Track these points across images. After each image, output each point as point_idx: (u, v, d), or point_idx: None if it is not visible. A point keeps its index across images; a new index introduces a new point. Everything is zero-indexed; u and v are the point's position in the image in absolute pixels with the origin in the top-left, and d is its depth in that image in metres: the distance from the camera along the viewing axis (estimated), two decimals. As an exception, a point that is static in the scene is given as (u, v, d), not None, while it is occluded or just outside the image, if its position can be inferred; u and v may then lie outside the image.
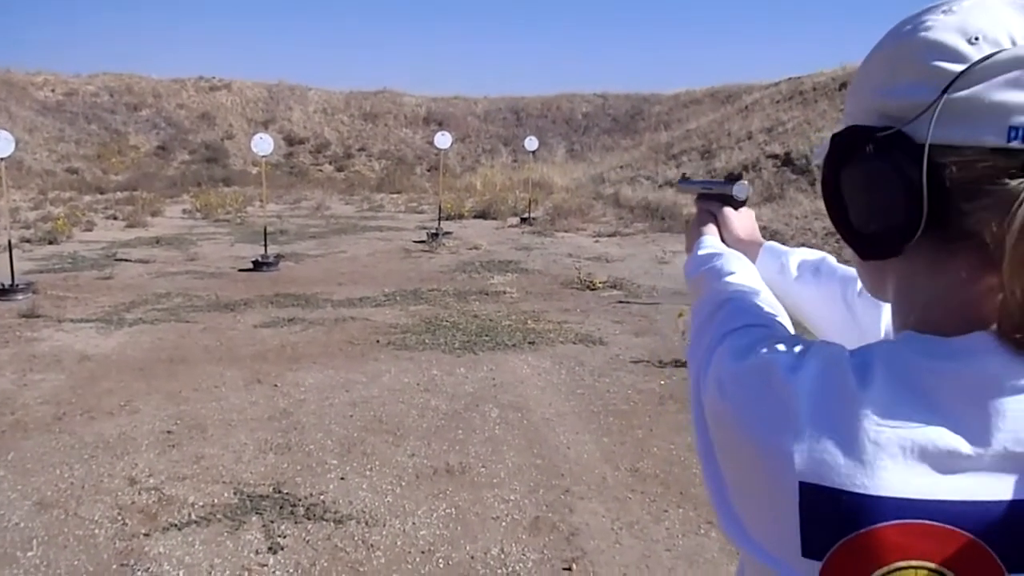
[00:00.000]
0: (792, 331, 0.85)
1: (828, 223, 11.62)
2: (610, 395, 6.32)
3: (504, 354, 7.44)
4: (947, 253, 0.71)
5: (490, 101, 39.31)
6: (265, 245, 12.50)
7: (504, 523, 4.29)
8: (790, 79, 26.24)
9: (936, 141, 0.68)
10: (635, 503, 4.54)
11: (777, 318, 0.91)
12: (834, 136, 0.77)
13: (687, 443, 5.32)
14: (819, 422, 0.67)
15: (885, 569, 0.65)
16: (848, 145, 0.74)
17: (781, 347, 0.75)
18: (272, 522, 4.25)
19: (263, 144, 12.27)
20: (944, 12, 0.71)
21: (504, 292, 10.40)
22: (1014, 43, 0.67)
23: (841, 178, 0.75)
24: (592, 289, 10.51)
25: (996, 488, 0.64)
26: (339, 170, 33.53)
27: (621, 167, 24.45)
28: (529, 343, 7.78)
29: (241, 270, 12.00)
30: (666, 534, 4.18)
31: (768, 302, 0.98)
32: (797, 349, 0.74)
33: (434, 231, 15.38)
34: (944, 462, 0.64)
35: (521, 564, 3.88)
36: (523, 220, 18.17)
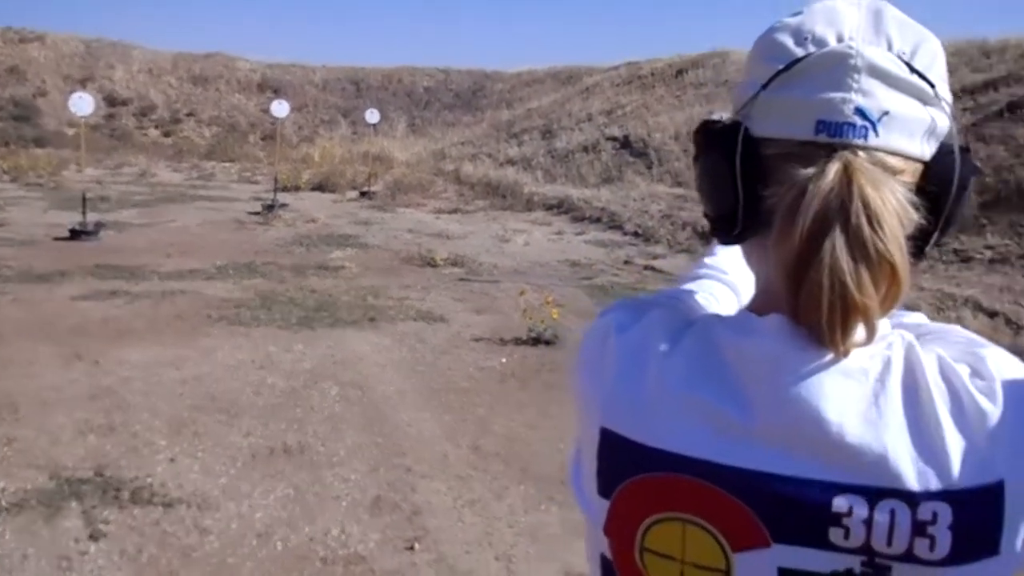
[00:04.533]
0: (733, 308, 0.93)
1: (664, 206, 12.06)
2: (451, 373, 6.31)
3: (343, 331, 7.29)
4: (763, 241, 0.75)
5: (329, 70, 38.33)
6: (84, 212, 11.68)
7: (344, 503, 4.20)
8: (629, 63, 26.94)
9: (759, 134, 0.74)
10: (476, 481, 4.54)
11: (696, 295, 0.94)
12: (695, 129, 0.81)
13: (528, 421, 5.38)
14: (622, 377, 0.74)
15: (657, 516, 0.71)
16: (699, 138, 0.80)
17: (639, 313, 0.80)
18: (93, 507, 3.98)
19: (82, 103, 11.45)
20: (796, 13, 0.76)
21: (343, 267, 10.19)
22: (840, 41, 0.71)
23: (695, 168, 0.80)
24: (433, 266, 10.46)
25: (765, 460, 0.68)
26: (166, 135, 31.85)
27: (462, 143, 24.44)
28: (369, 319, 7.66)
29: (57, 239, 11.20)
30: (508, 511, 4.20)
31: (706, 286, 1.03)
32: (661, 319, 0.79)
33: (269, 203, 14.87)
34: (722, 428, 0.69)
35: (363, 544, 3.81)
36: (362, 194, 17.86)
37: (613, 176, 16.92)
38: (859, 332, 0.69)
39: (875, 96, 0.70)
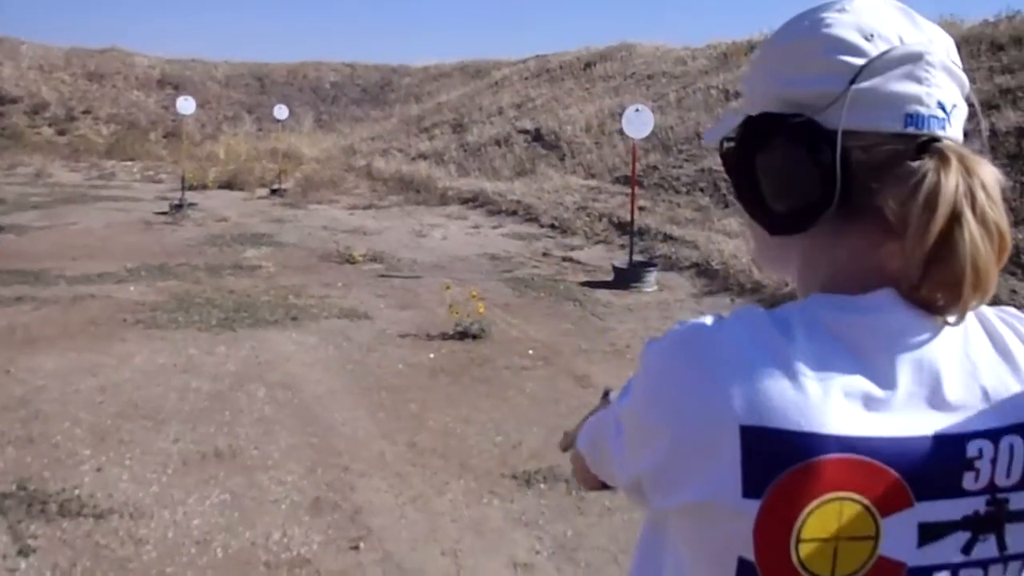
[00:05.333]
0: None
1: (579, 198, 12.15)
2: (380, 370, 6.26)
3: (266, 331, 7.15)
4: (847, 226, 0.80)
5: (231, 66, 37.34)
6: (-20, 215, 11.17)
7: (284, 506, 4.13)
8: (537, 57, 27.08)
9: (843, 127, 0.76)
10: (416, 477, 4.52)
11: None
12: (747, 122, 0.83)
13: (461, 416, 5.38)
14: (753, 370, 0.73)
15: (818, 501, 0.71)
16: (762, 131, 0.81)
17: (721, 319, 0.81)
18: (19, 522, 3.82)
19: (-24, 102, 10.90)
20: (839, 11, 0.80)
21: (260, 266, 9.98)
22: (901, 40, 0.77)
23: (756, 161, 0.81)
24: (352, 263, 10.33)
25: (906, 425, 0.73)
26: (61, 134, 30.50)
27: (372, 139, 24.19)
28: (292, 319, 7.53)
29: (-49, 243, 10.67)
30: (450, 506, 4.20)
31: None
32: (754, 316, 0.79)
33: (177, 202, 14.44)
34: (865, 403, 0.73)
35: (306, 547, 3.76)
36: (273, 191, 17.50)
37: (526, 169, 17.00)
38: None
39: (945, 90, 0.78)
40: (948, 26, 14.71)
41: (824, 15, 0.80)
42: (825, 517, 0.72)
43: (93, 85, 34.01)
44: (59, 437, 4.79)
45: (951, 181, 0.74)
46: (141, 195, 16.81)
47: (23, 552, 3.58)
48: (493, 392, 5.84)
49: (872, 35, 0.77)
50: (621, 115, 10.58)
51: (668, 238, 10.80)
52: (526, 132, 18.93)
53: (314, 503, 4.17)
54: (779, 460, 0.71)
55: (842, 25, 0.78)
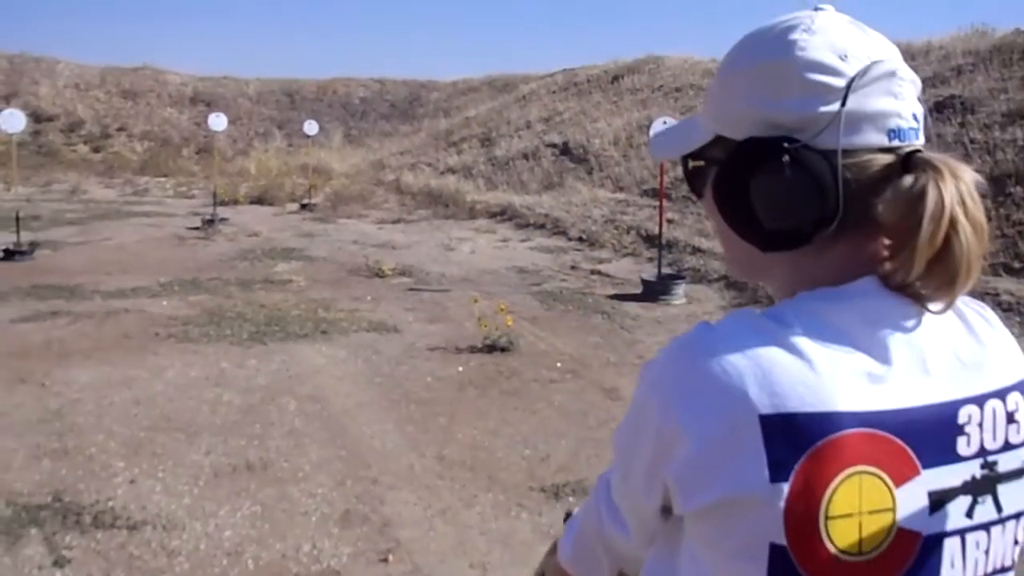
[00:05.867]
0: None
1: (607, 211, 12.14)
2: (409, 383, 6.29)
3: (296, 344, 7.21)
4: (837, 236, 0.83)
5: (262, 82, 37.80)
6: (17, 232, 11.36)
7: (314, 518, 4.16)
8: (565, 70, 27.12)
9: (830, 146, 0.80)
10: (444, 490, 4.54)
11: None
12: (738, 148, 0.85)
13: (490, 428, 5.39)
14: (761, 359, 0.76)
15: (840, 477, 0.74)
16: (756, 157, 0.83)
17: (718, 324, 0.86)
18: (55, 533, 3.89)
19: (14, 120, 11.15)
20: (806, 32, 0.83)
21: (290, 280, 10.07)
22: (869, 58, 0.81)
23: (751, 185, 0.83)
24: (381, 276, 10.39)
25: (907, 396, 0.78)
26: (96, 151, 31.01)
27: (401, 153, 24.34)
28: (322, 332, 7.58)
29: (-11, 259, 10.87)
30: (478, 519, 4.21)
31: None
32: (749, 316, 0.85)
33: (209, 217, 14.60)
34: (869, 378, 0.77)
35: (336, 559, 3.78)
36: (303, 206, 17.65)
37: (554, 182, 17.02)
38: None
39: (913, 100, 0.84)
40: (980, 36, 14.58)
41: (794, 37, 0.83)
42: (848, 492, 0.74)
43: (127, 103, 34.57)
44: (93, 449, 4.86)
45: (948, 191, 0.78)
46: (174, 211, 17.03)
47: (58, 563, 3.64)
48: (521, 405, 5.84)
49: (845, 55, 0.81)
50: (649, 128, 10.57)
51: (696, 250, 10.76)
52: (554, 146, 18.96)
53: (344, 515, 4.20)
54: (801, 442, 0.74)
55: (815, 47, 0.82)
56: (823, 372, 0.76)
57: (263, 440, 5.08)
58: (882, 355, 0.78)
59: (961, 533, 0.79)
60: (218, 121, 15.37)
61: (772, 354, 0.76)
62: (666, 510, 0.85)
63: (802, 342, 0.77)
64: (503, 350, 7.03)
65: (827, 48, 0.81)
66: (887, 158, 0.81)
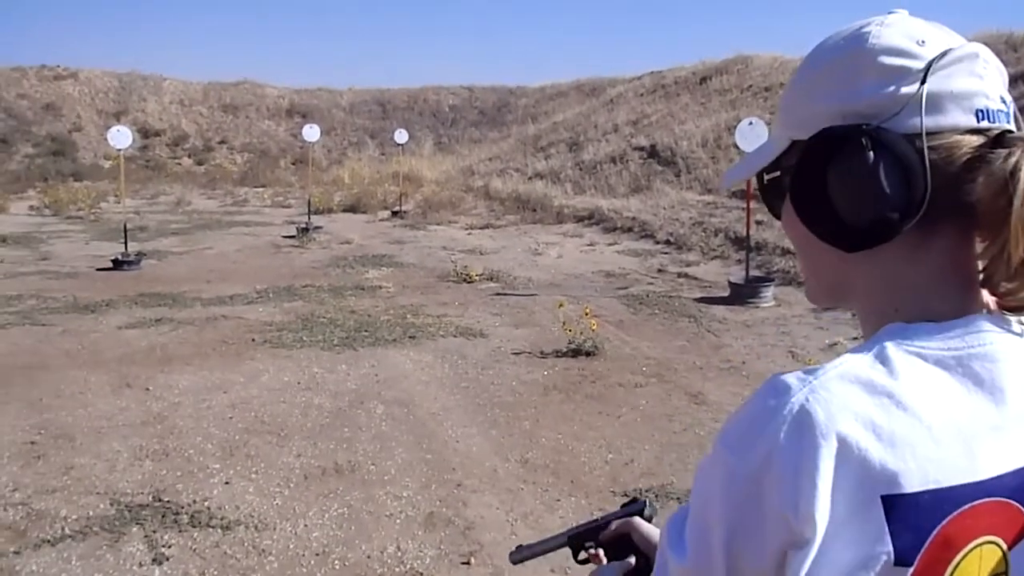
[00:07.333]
0: None
1: (695, 214, 12.01)
2: (495, 387, 6.35)
3: (385, 349, 7.36)
4: (929, 232, 0.76)
5: (355, 93, 38.69)
6: (125, 243, 11.92)
7: (398, 520, 4.25)
8: (652, 73, 26.96)
9: (913, 130, 0.74)
10: (527, 494, 4.57)
11: None
12: (816, 137, 0.78)
13: (574, 433, 5.41)
14: (881, 431, 0.69)
15: (962, 553, 0.71)
16: (833, 144, 0.77)
17: (807, 379, 0.75)
18: (154, 532, 4.07)
19: (121, 136, 11.69)
20: (880, 25, 0.79)
21: (380, 287, 10.29)
22: (949, 45, 0.77)
23: (828, 177, 0.77)
24: (469, 282, 10.52)
25: (1021, 453, 0.73)
26: (199, 163, 32.28)
27: (490, 159, 24.55)
28: (410, 337, 7.73)
29: (100, 269, 11.42)
30: (560, 523, 4.22)
31: None
32: (852, 368, 0.75)
33: (304, 225, 15.04)
34: (988, 433, 0.72)
35: (419, 561, 3.86)
36: (394, 214, 18.01)
37: (642, 185, 16.93)
38: None
39: (999, 86, 0.79)
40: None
41: (865, 30, 0.79)
42: (969, 567, 0.72)
43: (228, 116, 35.81)
44: (191, 451, 5.07)
45: None
46: (271, 220, 17.57)
47: (157, 560, 3.81)
48: (605, 409, 5.84)
49: (923, 41, 0.77)
50: (735, 129, 10.41)
51: (786, 252, 10.55)
52: (641, 149, 18.85)
53: (428, 518, 4.28)
54: (926, 523, 0.69)
55: (890, 36, 0.78)
56: (943, 440, 0.70)
57: (351, 443, 5.21)
58: (998, 399, 0.73)
59: None
60: (311, 132, 15.80)
61: (893, 424, 0.69)
62: None
63: (916, 401, 0.70)
64: (588, 354, 7.03)
65: (903, 35, 0.77)
66: (976, 139, 0.75)
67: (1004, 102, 0.78)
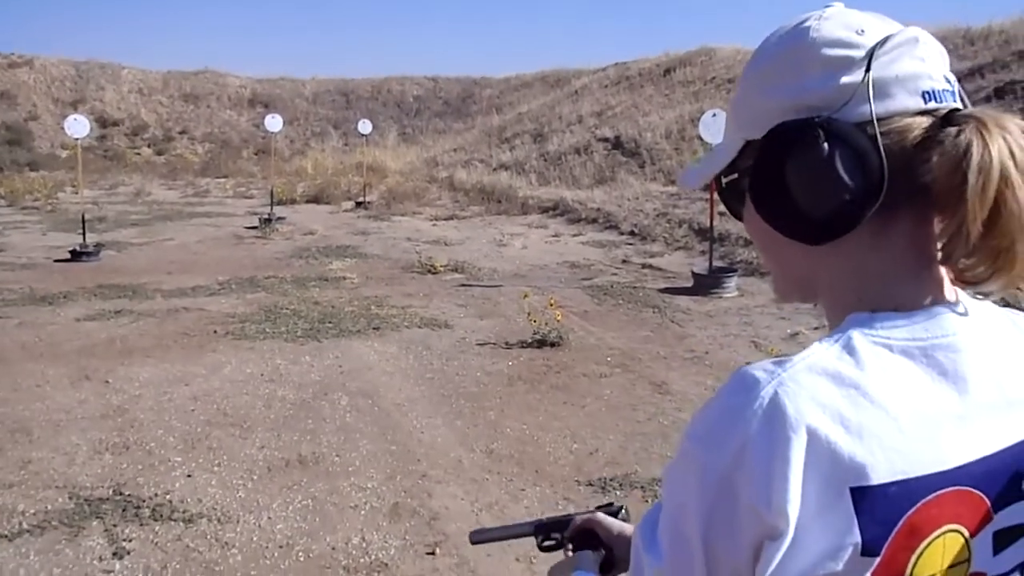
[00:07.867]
0: None
1: (659, 205, 12.07)
2: (459, 378, 6.35)
3: (349, 341, 7.32)
4: (888, 218, 0.77)
5: (318, 83, 38.39)
6: (84, 233, 11.72)
7: (363, 511, 4.23)
8: (617, 64, 27.05)
9: (864, 118, 0.75)
10: (492, 484, 4.58)
11: None
12: (769, 135, 0.79)
13: (538, 423, 5.42)
14: (849, 423, 0.69)
15: (926, 542, 0.72)
16: (785, 141, 0.78)
17: (775, 370, 0.75)
18: (115, 526, 4.02)
19: (78, 126, 11.49)
20: (819, 19, 0.81)
21: (344, 278, 10.23)
22: (888, 32, 0.78)
23: (786, 173, 0.77)
24: (433, 273, 10.50)
25: (986, 440, 0.74)
26: (159, 154, 31.85)
27: (454, 150, 24.50)
28: (374, 329, 7.69)
29: (57, 260, 11.24)
30: (525, 513, 4.23)
31: None
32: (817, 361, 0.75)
33: (266, 216, 14.90)
34: (953, 423, 0.73)
35: (384, 551, 3.85)
36: (358, 204, 17.90)
37: (606, 177, 16.98)
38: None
39: (942, 66, 0.80)
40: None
41: (805, 25, 0.81)
42: (932, 554, 0.72)
43: (188, 106, 35.36)
44: (153, 444, 5.01)
45: (995, 142, 0.73)
46: (233, 211, 17.39)
47: (118, 554, 3.77)
48: (570, 399, 5.86)
49: (862, 30, 0.78)
50: (698, 121, 10.49)
51: (749, 243, 10.62)
52: (606, 140, 18.92)
53: (393, 509, 4.27)
54: (893, 514, 0.70)
55: (830, 28, 0.79)
56: (910, 431, 0.71)
57: (315, 435, 5.18)
58: (962, 389, 0.74)
59: (1021, 567, 0.78)
60: (274, 122, 15.65)
61: (861, 416, 0.70)
62: None
63: (883, 392, 0.71)
64: (553, 345, 7.05)
65: (842, 26, 0.79)
66: (926, 120, 0.77)
67: (948, 81, 0.79)
